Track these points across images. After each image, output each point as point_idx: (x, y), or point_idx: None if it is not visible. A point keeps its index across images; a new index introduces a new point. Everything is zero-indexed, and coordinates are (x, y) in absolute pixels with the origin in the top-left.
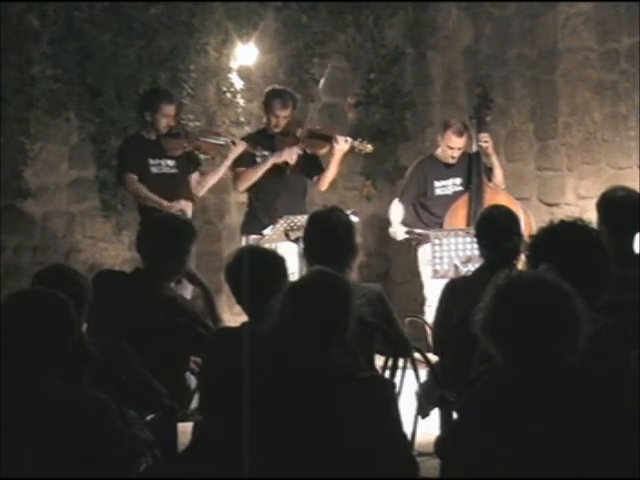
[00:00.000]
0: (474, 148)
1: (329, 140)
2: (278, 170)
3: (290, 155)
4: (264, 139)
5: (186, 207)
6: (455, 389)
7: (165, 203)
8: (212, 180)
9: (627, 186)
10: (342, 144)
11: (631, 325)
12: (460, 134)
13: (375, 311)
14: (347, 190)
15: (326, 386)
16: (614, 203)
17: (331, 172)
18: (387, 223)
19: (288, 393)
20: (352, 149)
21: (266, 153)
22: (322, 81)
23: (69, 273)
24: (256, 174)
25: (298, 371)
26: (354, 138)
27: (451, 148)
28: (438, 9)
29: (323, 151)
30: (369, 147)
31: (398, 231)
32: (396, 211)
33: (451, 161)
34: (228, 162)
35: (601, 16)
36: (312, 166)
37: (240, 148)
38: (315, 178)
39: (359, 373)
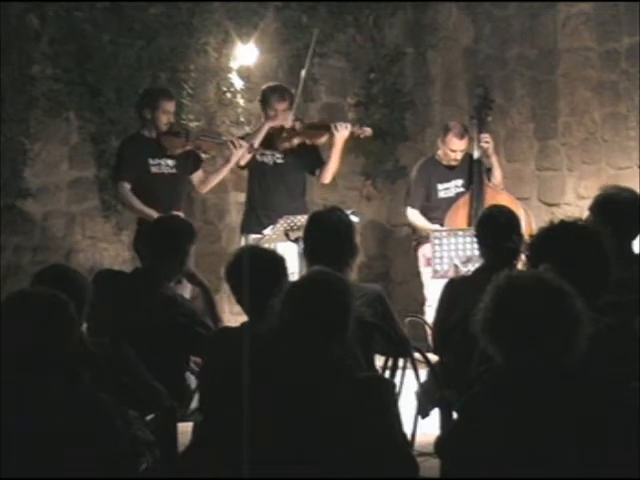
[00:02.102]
0: (475, 149)
1: (328, 129)
2: (276, 168)
3: (285, 118)
4: (263, 138)
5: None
6: (455, 389)
7: (155, 215)
8: (215, 180)
9: (623, 186)
10: (342, 130)
11: (631, 325)
12: (461, 136)
13: (375, 311)
14: (347, 190)
15: (326, 386)
16: (613, 203)
17: (333, 163)
18: (388, 223)
19: (288, 393)
20: (352, 135)
21: (267, 151)
22: (303, 72)
23: (69, 273)
24: (256, 140)
25: (298, 371)
26: (352, 125)
27: (453, 151)
28: (438, 9)
29: (322, 141)
30: (368, 130)
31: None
32: (416, 215)
33: (453, 163)
34: (231, 163)
35: (601, 16)
36: (313, 159)
37: (242, 150)
38: (317, 171)
39: (359, 373)
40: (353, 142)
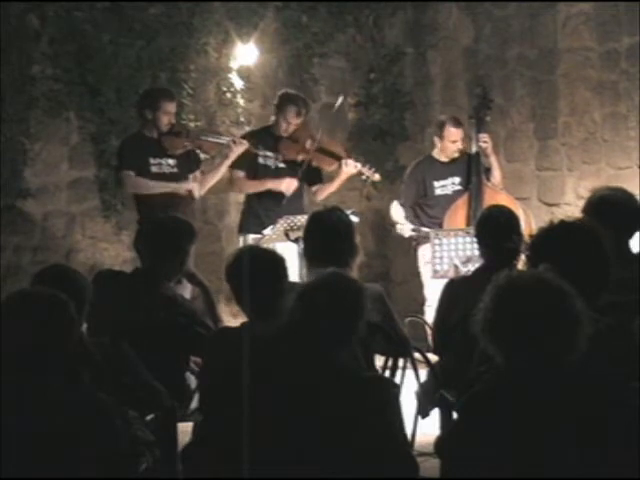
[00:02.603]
0: (474, 148)
1: (338, 160)
2: (277, 172)
3: (288, 187)
4: (268, 138)
5: (194, 188)
6: (455, 389)
7: (172, 184)
8: (212, 179)
9: (613, 186)
10: (350, 168)
11: (631, 325)
12: (458, 124)
13: (375, 311)
14: (347, 190)
15: (327, 386)
16: (609, 204)
17: (332, 188)
18: (388, 223)
19: (288, 392)
20: (359, 174)
21: (269, 154)
22: (340, 100)
23: (69, 273)
24: (251, 188)
25: (299, 371)
26: (364, 165)
27: (454, 141)
28: (438, 9)
29: (330, 168)
30: (377, 176)
31: (405, 227)
32: (397, 210)
33: (455, 155)
34: (228, 161)
35: (601, 16)
36: (313, 176)
37: (241, 147)
38: (315, 188)
39: (362, 373)
40: (353, 144)
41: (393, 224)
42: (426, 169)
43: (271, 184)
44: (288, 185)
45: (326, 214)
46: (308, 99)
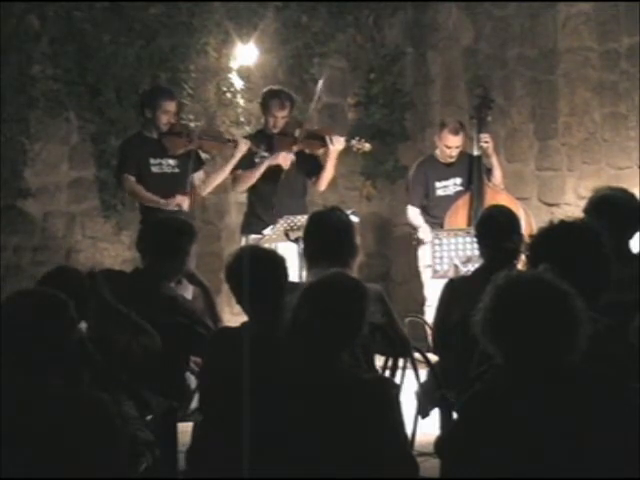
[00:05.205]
0: (475, 149)
1: (323, 140)
2: (277, 170)
3: (285, 159)
4: (263, 139)
5: (182, 202)
6: (455, 389)
7: (162, 201)
8: (217, 179)
9: (614, 186)
10: (336, 144)
11: (631, 325)
12: (456, 132)
13: (376, 311)
14: (347, 190)
15: (330, 386)
16: (610, 204)
17: (328, 172)
18: (388, 223)
19: (290, 393)
20: (350, 148)
21: (265, 154)
22: (320, 82)
23: (70, 273)
24: (253, 177)
25: (302, 371)
26: (352, 137)
27: (449, 147)
28: (438, 9)
29: (321, 151)
30: (367, 146)
31: (426, 232)
32: (415, 215)
33: (450, 160)
34: (234, 161)
35: (601, 16)
36: (311, 166)
37: (245, 147)
38: (313, 179)
39: (363, 374)
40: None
41: (415, 228)
42: (429, 169)
43: (268, 162)
44: (284, 158)
45: (326, 214)
46: (294, 93)
